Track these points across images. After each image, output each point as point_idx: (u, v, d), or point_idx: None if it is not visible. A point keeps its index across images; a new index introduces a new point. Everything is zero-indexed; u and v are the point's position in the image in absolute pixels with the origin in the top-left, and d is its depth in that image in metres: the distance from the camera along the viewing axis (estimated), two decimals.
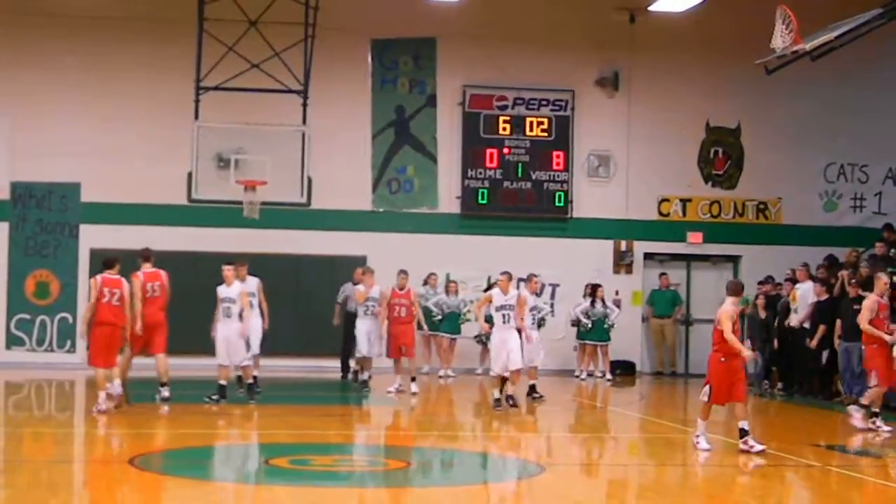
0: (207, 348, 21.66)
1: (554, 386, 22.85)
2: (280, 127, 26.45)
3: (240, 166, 25.93)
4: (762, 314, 26.15)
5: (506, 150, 29.79)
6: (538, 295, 24.60)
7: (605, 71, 30.11)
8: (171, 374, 20.69)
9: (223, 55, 26.30)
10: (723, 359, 16.62)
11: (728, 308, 16.75)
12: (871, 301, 19.91)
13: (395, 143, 29.62)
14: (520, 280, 24.07)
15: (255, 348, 22.79)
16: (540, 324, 24.03)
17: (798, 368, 25.70)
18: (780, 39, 22.58)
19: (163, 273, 21.00)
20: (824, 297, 24.95)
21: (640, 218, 30.29)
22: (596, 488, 15.12)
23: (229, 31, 26.37)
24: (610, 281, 29.44)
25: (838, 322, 23.80)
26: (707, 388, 16.78)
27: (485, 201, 29.67)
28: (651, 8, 28.61)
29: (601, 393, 26.21)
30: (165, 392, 20.45)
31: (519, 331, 21.16)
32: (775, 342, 25.84)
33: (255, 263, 23.65)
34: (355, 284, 24.70)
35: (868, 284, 24.38)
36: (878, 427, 19.17)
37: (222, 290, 21.23)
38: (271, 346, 23.69)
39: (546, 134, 29.90)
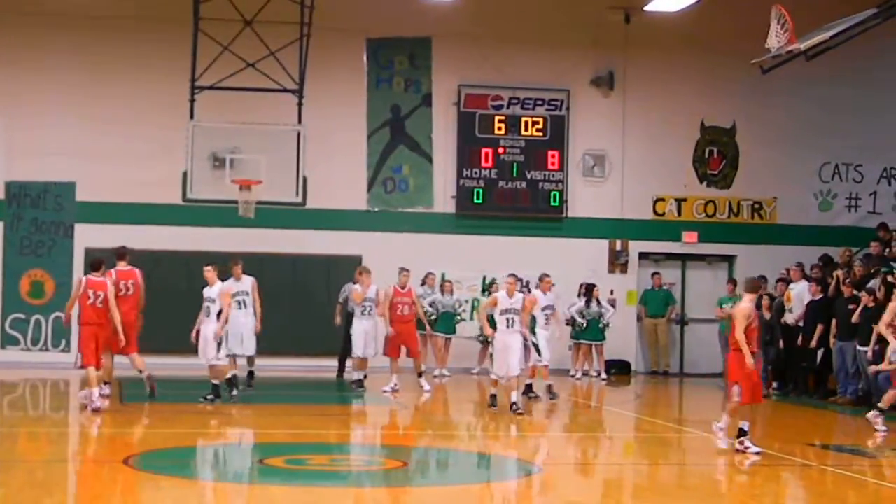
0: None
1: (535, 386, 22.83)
2: (275, 126, 26.41)
3: (235, 166, 25.89)
4: (766, 314, 26.10)
5: (501, 150, 29.79)
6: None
7: (601, 70, 30.11)
8: (168, 374, 20.70)
9: (218, 54, 26.25)
10: (744, 354, 16.43)
11: (744, 306, 16.65)
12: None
13: (390, 143, 29.61)
14: (523, 283, 24.10)
15: (251, 348, 22.92)
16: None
17: (792, 368, 25.73)
18: (776, 39, 22.60)
19: (137, 272, 21.08)
20: (819, 296, 24.99)
21: (635, 217, 30.30)
22: (592, 488, 15.12)
23: (224, 30, 26.32)
24: (605, 280, 29.44)
25: (834, 321, 23.88)
26: (736, 388, 16.55)
27: (480, 201, 29.66)
28: (646, 7, 28.60)
29: (596, 392, 26.22)
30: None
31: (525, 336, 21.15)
32: (780, 342, 25.77)
33: (251, 263, 23.69)
34: (355, 284, 24.74)
35: (862, 284, 24.47)
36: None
37: (206, 291, 21.22)
38: (267, 345, 23.75)
39: (541, 133, 29.90)
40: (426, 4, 28.53)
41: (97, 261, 20.40)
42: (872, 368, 23.07)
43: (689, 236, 30.54)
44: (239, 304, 23.06)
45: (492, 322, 21.01)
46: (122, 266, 20.99)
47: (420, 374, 24.22)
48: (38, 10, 28.01)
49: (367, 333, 23.88)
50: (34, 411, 21.99)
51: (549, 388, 22.81)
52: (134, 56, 28.33)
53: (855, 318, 23.69)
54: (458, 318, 28.63)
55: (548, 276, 23.58)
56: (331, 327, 26.04)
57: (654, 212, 30.49)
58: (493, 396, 20.90)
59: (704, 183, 30.74)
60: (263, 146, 25.82)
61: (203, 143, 26.24)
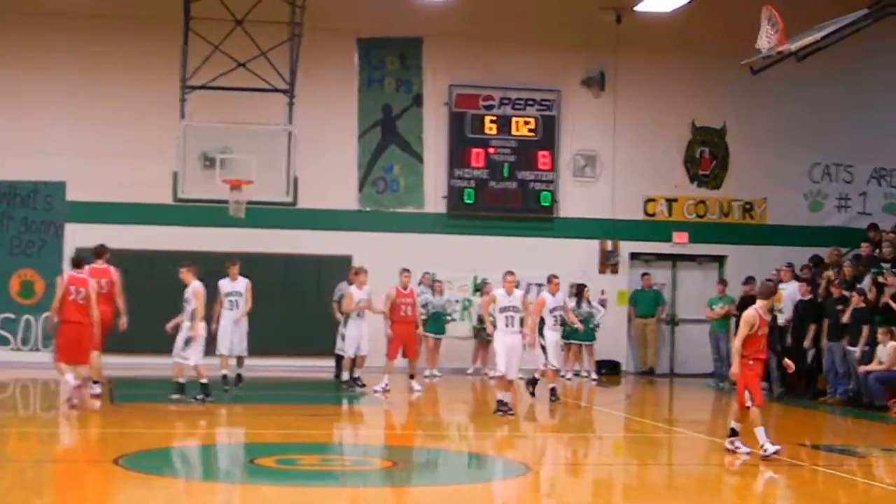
0: None
1: (539, 386, 22.80)
2: (266, 126, 26.40)
3: (226, 165, 25.85)
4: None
5: (492, 150, 29.79)
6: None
7: (592, 71, 30.12)
8: (158, 374, 20.70)
9: (209, 54, 26.24)
10: (751, 362, 16.20)
11: (749, 312, 16.34)
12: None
13: (381, 143, 29.60)
14: (527, 285, 24.08)
15: (242, 349, 23.02)
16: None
17: (782, 368, 25.71)
18: (766, 40, 22.64)
19: (113, 270, 21.14)
20: (808, 296, 25.03)
21: (625, 218, 30.31)
22: (582, 488, 15.13)
23: (215, 29, 26.30)
24: (596, 281, 29.44)
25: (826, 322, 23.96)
26: (747, 393, 16.21)
27: (471, 201, 29.66)
28: (637, 8, 28.61)
29: (586, 392, 26.23)
30: (97, 388, 20.55)
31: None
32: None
33: (242, 263, 23.70)
34: (350, 284, 24.80)
35: (852, 285, 24.53)
36: None
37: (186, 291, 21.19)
38: (258, 345, 23.78)
39: (532, 134, 29.91)
40: (417, 4, 28.53)
41: (79, 258, 20.65)
42: (862, 368, 23.16)
43: (680, 237, 30.57)
44: (231, 304, 23.14)
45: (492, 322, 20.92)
46: (99, 264, 21.12)
47: (412, 376, 24.23)
48: (30, 9, 27.90)
49: (360, 335, 23.93)
50: (24, 411, 21.97)
51: (553, 390, 22.52)
52: (125, 56, 28.28)
53: (845, 318, 23.75)
54: (449, 318, 28.64)
55: (556, 277, 23.25)
56: (322, 327, 26.08)
57: (645, 212, 30.51)
58: (502, 402, 20.27)
59: (695, 183, 30.77)
60: (254, 146, 25.79)
61: (194, 143, 26.23)
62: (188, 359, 20.85)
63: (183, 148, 26.08)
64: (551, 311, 22.56)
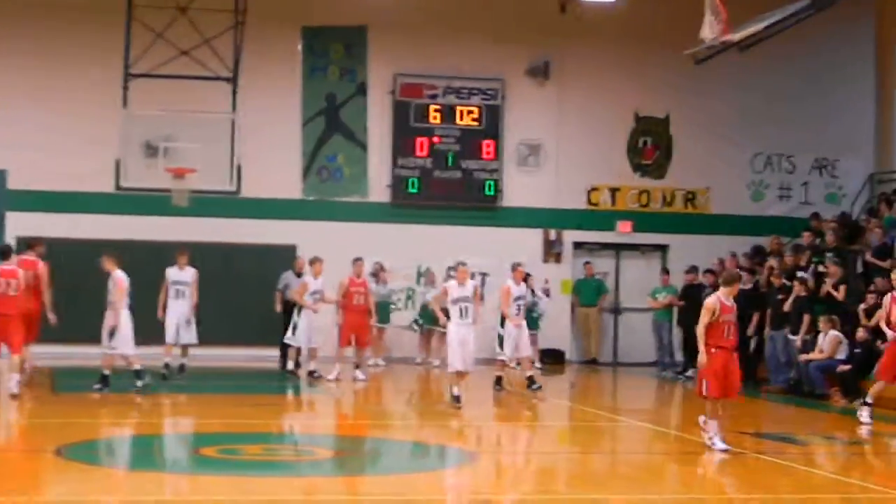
0: (138, 337, 21.49)
1: (483, 374, 22.81)
2: (209, 114, 26.28)
3: (169, 154, 25.71)
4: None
5: (436, 139, 29.77)
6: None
7: (536, 60, 30.14)
8: (98, 364, 20.57)
9: (152, 42, 26.10)
10: (713, 350, 15.91)
11: (710, 299, 16.14)
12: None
13: (325, 132, 29.51)
14: (475, 274, 23.98)
15: (188, 338, 23.10)
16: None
17: None
18: (710, 30, 22.73)
19: (41, 264, 20.95)
20: (749, 285, 25.17)
21: (569, 207, 30.37)
22: (525, 476, 15.17)
23: (158, 17, 26.16)
24: (539, 270, 29.45)
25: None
26: (704, 383, 16.02)
27: (415, 190, 29.64)
28: None
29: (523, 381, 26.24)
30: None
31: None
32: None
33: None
34: (297, 275, 24.79)
35: (793, 274, 24.70)
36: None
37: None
38: (201, 335, 23.65)
39: (476, 123, 29.91)
40: None
41: (6, 249, 20.55)
42: (803, 357, 23.33)
43: (623, 226, 30.66)
44: (178, 293, 23.10)
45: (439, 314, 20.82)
46: (29, 255, 20.99)
47: (357, 366, 24.18)
48: None
49: (312, 326, 23.91)
50: None
51: (531, 378, 22.27)
52: (66, 44, 28.06)
53: (787, 306, 23.92)
54: (393, 306, 28.62)
55: (520, 264, 23.04)
56: (265, 317, 26.01)
57: (589, 201, 30.59)
58: (456, 398, 20.08)
59: (638, 173, 30.87)
60: (197, 134, 25.64)
61: (136, 132, 26.08)
62: (115, 349, 20.66)
63: (125, 136, 25.91)
64: (515, 299, 22.22)
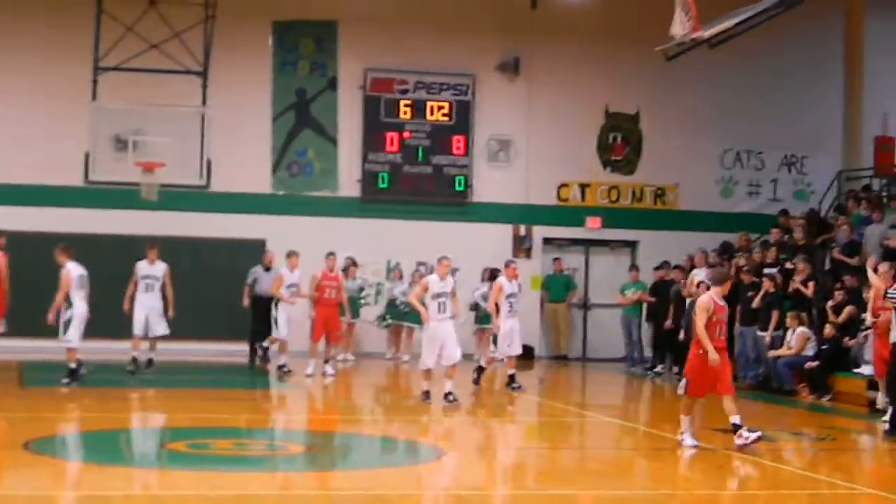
0: (105, 331, 21.46)
1: (464, 370, 22.81)
2: (179, 108, 26.20)
3: (138, 148, 25.59)
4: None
5: (406, 134, 29.76)
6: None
7: (506, 56, 30.15)
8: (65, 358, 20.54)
9: (122, 35, 26.00)
10: (701, 351, 15.80)
11: (703, 298, 16.12)
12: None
13: (295, 126, 29.46)
14: (456, 270, 23.95)
15: (158, 330, 22.98)
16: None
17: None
18: (680, 26, 22.78)
19: (1, 255, 20.87)
20: None
21: (539, 203, 30.39)
22: (494, 471, 15.18)
23: (128, 10, 26.07)
24: None
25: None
26: (684, 381, 16.04)
27: (385, 185, 29.62)
28: None
29: (500, 377, 26.25)
30: None
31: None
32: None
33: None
34: (266, 269, 24.75)
35: (761, 271, 24.78)
36: None
37: None
38: (170, 329, 23.56)
39: (447, 118, 29.91)
40: None
41: None
42: (772, 353, 23.42)
43: (593, 222, 30.71)
44: (147, 286, 23.03)
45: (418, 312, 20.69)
46: None
47: (327, 360, 24.11)
48: None
49: (290, 318, 23.90)
50: None
51: (512, 377, 22.30)
52: (35, 35, 27.91)
53: (756, 303, 23.99)
54: (363, 301, 28.59)
55: (513, 261, 23.07)
56: (234, 311, 26.00)
57: (558, 197, 30.62)
58: (427, 392, 20.04)
59: (608, 169, 30.92)
60: (167, 128, 25.58)
61: (106, 125, 25.97)
62: (71, 341, 20.60)
63: (95, 129, 25.80)
64: (507, 297, 22.09)
